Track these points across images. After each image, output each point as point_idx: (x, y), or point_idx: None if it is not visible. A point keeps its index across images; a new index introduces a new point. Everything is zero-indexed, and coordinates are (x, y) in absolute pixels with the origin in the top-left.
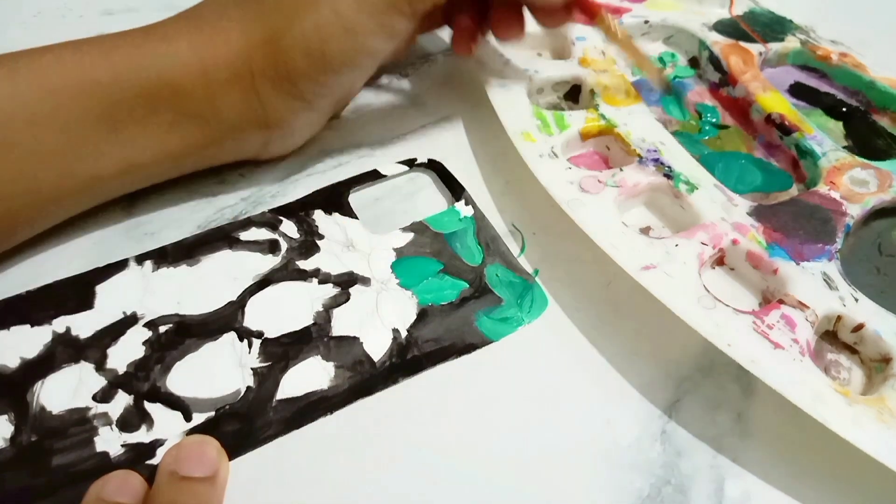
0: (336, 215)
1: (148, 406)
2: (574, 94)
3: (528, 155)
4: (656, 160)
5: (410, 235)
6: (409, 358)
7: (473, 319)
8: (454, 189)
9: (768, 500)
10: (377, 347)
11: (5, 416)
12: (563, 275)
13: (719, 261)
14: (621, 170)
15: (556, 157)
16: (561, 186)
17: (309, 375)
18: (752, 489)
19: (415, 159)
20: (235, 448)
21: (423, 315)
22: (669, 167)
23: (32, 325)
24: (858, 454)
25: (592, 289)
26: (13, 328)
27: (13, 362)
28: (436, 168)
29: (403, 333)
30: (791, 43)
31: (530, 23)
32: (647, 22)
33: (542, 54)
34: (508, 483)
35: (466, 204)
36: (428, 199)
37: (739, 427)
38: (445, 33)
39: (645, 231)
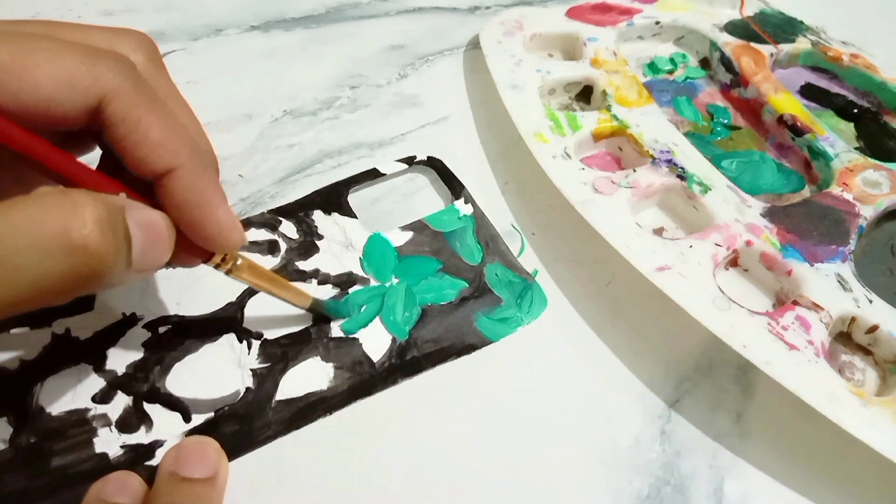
0: (335, 215)
1: (147, 407)
2: (586, 94)
3: (541, 156)
4: (669, 161)
5: (409, 234)
6: (408, 359)
7: (473, 319)
8: (453, 187)
9: (767, 500)
10: (376, 348)
11: (5, 418)
12: (563, 275)
13: (733, 262)
14: (634, 171)
15: (568, 157)
16: (574, 187)
17: (308, 376)
18: (752, 489)
19: (414, 157)
20: (235, 449)
21: (422, 315)
22: (683, 168)
23: (32, 327)
24: (857, 453)
25: (592, 289)
26: (13, 330)
27: (13, 364)
28: (435, 166)
29: None
30: (802, 44)
31: (535, 25)
32: (657, 23)
33: (553, 55)
34: (508, 483)
35: (466, 202)
36: (427, 199)
37: (739, 427)
38: (444, 40)
39: (658, 232)
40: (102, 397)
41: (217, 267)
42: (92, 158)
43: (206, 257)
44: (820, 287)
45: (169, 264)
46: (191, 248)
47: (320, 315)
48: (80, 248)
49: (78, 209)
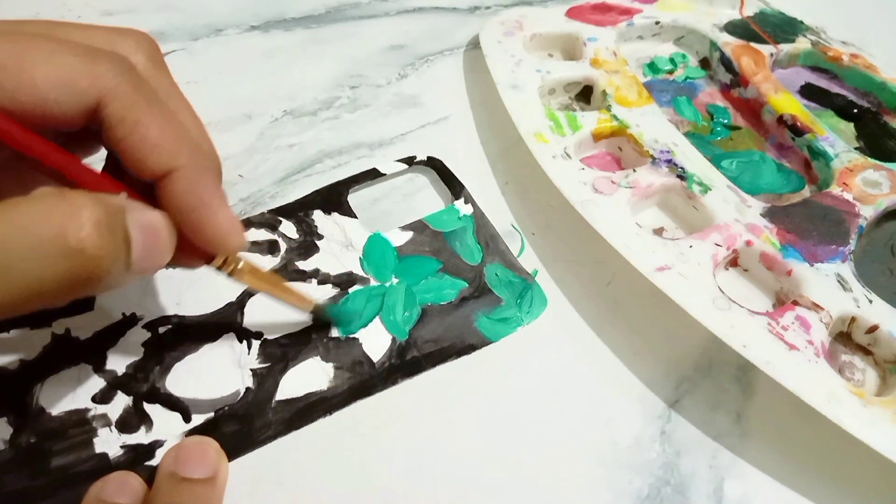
0: (335, 215)
1: (147, 407)
2: (586, 94)
3: (541, 156)
4: (669, 161)
5: (409, 234)
6: (408, 359)
7: (473, 320)
8: (453, 187)
9: (767, 500)
10: (376, 348)
11: (5, 418)
12: (563, 275)
13: (733, 262)
14: (634, 171)
15: (569, 157)
16: (574, 187)
17: (308, 376)
18: (752, 489)
19: (414, 157)
20: (235, 449)
21: (422, 315)
22: (682, 168)
23: (32, 328)
24: (857, 453)
25: (592, 289)
26: (13, 330)
27: (13, 364)
28: (435, 166)
29: None
30: (802, 44)
31: (535, 25)
32: (657, 23)
33: (553, 55)
34: (508, 483)
35: (466, 202)
36: (427, 199)
37: (738, 427)
38: (444, 40)
39: (658, 232)
40: (102, 397)
41: (219, 269)
42: (98, 158)
43: (208, 259)
44: (820, 287)
45: (170, 265)
46: (191, 249)
47: (321, 320)
48: (77, 250)
49: (75, 210)
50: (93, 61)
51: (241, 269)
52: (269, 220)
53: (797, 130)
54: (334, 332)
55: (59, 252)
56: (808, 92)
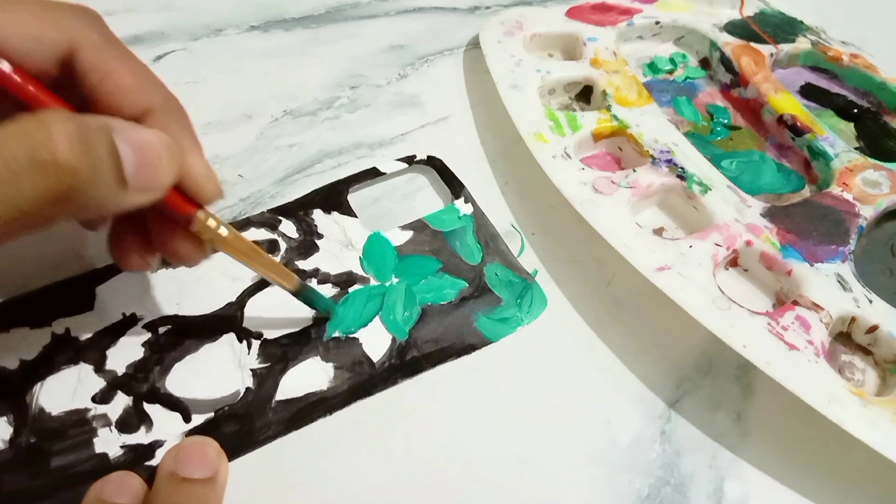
0: (335, 214)
1: (147, 407)
2: (586, 94)
3: (541, 156)
4: (669, 161)
5: (409, 233)
6: (408, 359)
7: (473, 320)
8: (453, 186)
9: (767, 500)
10: (376, 348)
11: (4, 418)
12: (562, 275)
13: (733, 262)
14: (634, 171)
15: (569, 157)
16: (574, 187)
17: (308, 376)
18: (752, 489)
19: (414, 156)
20: (235, 449)
21: (422, 315)
22: (683, 168)
23: (32, 327)
24: (857, 453)
25: (592, 289)
26: (13, 330)
27: (12, 364)
28: (435, 165)
29: None
30: (802, 44)
31: (535, 25)
32: (657, 23)
33: (553, 55)
34: (508, 483)
35: (466, 202)
36: (427, 199)
37: (739, 427)
38: (444, 40)
39: (658, 232)
40: (102, 397)
41: (200, 234)
42: None
43: (189, 212)
44: (820, 287)
45: (161, 251)
46: (171, 200)
47: (303, 301)
48: (48, 162)
49: (44, 125)
50: (59, 12)
51: (225, 238)
52: (269, 220)
53: (797, 130)
54: (335, 332)
55: (31, 166)
56: (808, 92)
